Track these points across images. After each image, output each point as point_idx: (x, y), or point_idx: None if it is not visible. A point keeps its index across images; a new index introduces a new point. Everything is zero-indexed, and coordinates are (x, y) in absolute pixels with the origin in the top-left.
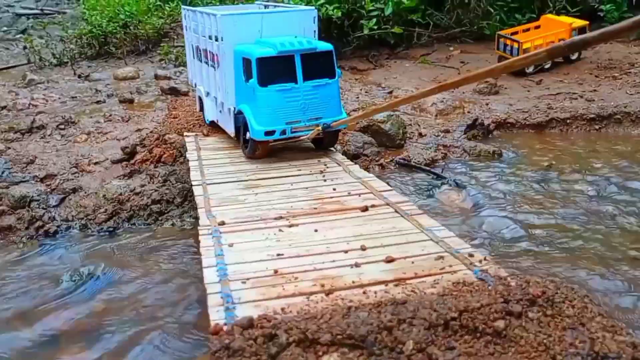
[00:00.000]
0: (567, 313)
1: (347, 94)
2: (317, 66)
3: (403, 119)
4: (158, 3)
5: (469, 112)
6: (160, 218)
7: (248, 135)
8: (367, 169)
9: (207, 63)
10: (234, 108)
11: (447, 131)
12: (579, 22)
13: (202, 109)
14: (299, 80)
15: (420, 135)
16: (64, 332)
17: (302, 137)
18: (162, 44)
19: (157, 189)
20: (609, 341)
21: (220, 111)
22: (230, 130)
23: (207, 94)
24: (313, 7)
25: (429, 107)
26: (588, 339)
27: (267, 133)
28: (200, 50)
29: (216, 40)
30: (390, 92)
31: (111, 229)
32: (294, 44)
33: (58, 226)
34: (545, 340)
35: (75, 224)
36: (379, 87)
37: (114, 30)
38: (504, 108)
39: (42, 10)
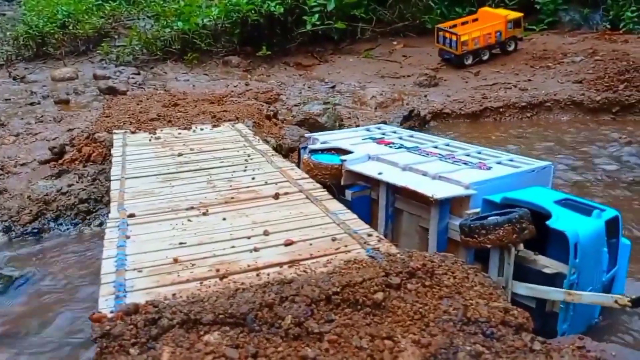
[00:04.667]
0: (447, 283)
1: (289, 89)
2: None
3: (341, 112)
4: (98, 2)
5: (407, 104)
6: (88, 217)
7: None
8: None
9: None
10: None
11: (385, 122)
12: (514, 15)
13: None
14: None
15: (358, 127)
16: None
17: None
18: (102, 44)
19: (84, 188)
20: (482, 307)
21: None
22: None
23: None
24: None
25: (368, 100)
26: (462, 305)
27: None
28: None
29: None
30: (333, 87)
31: (36, 230)
32: None
33: None
34: (421, 309)
35: None
36: (322, 82)
37: (52, 31)
38: (442, 99)
39: None
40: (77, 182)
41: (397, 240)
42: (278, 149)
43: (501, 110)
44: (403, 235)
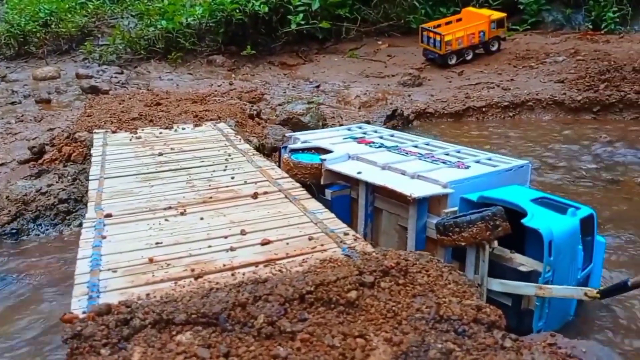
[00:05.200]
0: (420, 282)
1: (274, 88)
2: None
3: (325, 111)
4: (82, 0)
5: (391, 103)
6: (68, 217)
7: None
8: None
9: None
10: None
11: (368, 122)
12: (497, 15)
13: None
14: None
15: (341, 126)
16: None
17: None
18: (85, 43)
19: (64, 188)
20: (454, 305)
21: None
22: None
23: None
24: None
25: (352, 99)
26: (435, 304)
27: None
28: None
29: None
30: (318, 86)
31: (14, 231)
32: None
33: None
34: (394, 307)
35: None
36: (306, 81)
37: (34, 29)
38: (425, 99)
39: None
40: (57, 182)
41: (377, 239)
42: (261, 148)
43: (484, 109)
44: (383, 234)
